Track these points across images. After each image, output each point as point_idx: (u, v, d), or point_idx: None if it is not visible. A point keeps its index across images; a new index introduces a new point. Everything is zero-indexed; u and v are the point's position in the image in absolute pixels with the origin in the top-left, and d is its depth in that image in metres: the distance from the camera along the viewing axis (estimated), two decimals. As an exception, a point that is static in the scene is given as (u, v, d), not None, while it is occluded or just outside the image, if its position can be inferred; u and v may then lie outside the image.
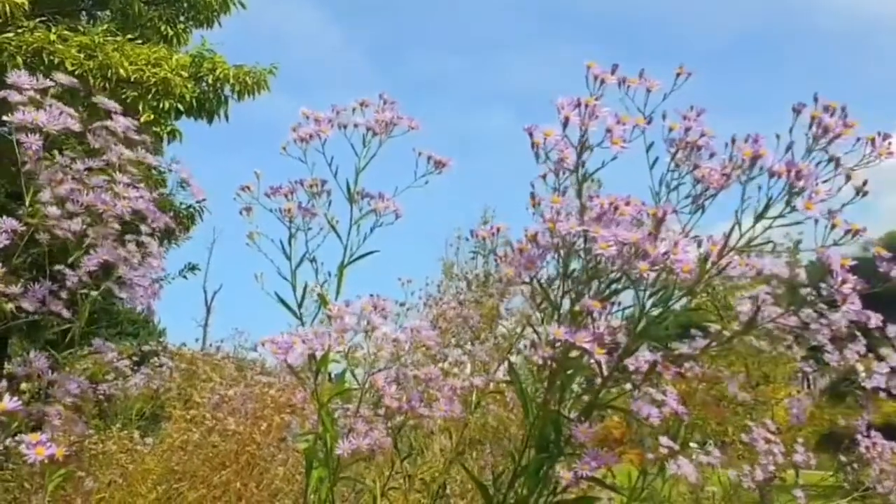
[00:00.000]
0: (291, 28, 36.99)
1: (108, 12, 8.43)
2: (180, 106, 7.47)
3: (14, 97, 1.58)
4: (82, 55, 7.03)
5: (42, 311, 1.62)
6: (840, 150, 1.24)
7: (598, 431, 1.37)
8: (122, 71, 7.08)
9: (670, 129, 1.34)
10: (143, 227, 1.71)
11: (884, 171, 1.28)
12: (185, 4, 8.62)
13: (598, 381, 1.37)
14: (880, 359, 1.42)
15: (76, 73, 6.72)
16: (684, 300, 1.33)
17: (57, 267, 1.64)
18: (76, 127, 1.59)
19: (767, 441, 2.22)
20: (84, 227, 1.63)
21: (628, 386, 1.42)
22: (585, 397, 1.43)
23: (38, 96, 1.60)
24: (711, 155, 1.34)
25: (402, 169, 1.78)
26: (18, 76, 1.61)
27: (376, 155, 1.75)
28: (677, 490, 2.09)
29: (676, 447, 1.67)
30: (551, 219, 1.30)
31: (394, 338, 1.49)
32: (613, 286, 1.33)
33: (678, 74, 1.37)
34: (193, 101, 7.58)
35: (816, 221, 1.21)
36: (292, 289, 1.76)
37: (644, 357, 1.40)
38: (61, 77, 1.68)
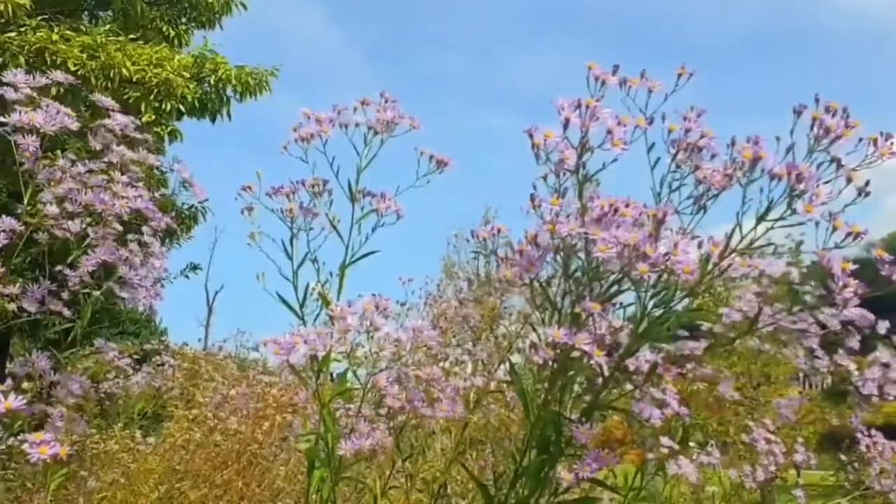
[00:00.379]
0: (291, 28, 37.05)
1: (109, 12, 8.43)
2: (182, 107, 7.48)
3: (10, 95, 1.57)
4: (85, 55, 7.03)
5: (43, 311, 1.62)
6: (842, 151, 1.23)
7: (599, 432, 1.37)
8: (124, 71, 7.08)
9: (670, 131, 1.34)
10: (146, 229, 1.71)
11: (886, 172, 1.28)
12: (187, 5, 8.63)
13: (599, 381, 1.37)
14: (872, 362, 1.42)
15: (78, 72, 6.73)
16: (686, 301, 1.33)
17: (58, 267, 1.64)
18: (74, 126, 1.58)
19: (768, 441, 2.22)
20: (84, 227, 1.63)
21: (629, 386, 1.42)
22: (586, 398, 1.43)
23: (35, 94, 1.59)
24: (713, 156, 1.34)
25: (404, 168, 1.78)
26: (14, 75, 1.61)
27: (378, 154, 1.76)
28: (678, 490, 2.09)
29: (677, 447, 1.67)
30: (551, 221, 1.30)
31: (395, 338, 1.49)
32: (615, 287, 1.33)
33: (680, 75, 1.38)
34: (195, 101, 7.59)
35: (817, 224, 1.20)
36: (294, 289, 1.76)
37: (645, 357, 1.40)
38: (58, 75, 1.68)
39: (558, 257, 1.35)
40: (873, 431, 2.21)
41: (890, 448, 2.21)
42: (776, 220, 1.23)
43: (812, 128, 1.24)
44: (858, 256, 1.26)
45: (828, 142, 1.23)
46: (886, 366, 1.45)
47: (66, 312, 1.64)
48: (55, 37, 7.02)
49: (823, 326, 1.31)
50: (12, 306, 1.59)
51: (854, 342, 1.36)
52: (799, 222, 1.22)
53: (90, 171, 1.65)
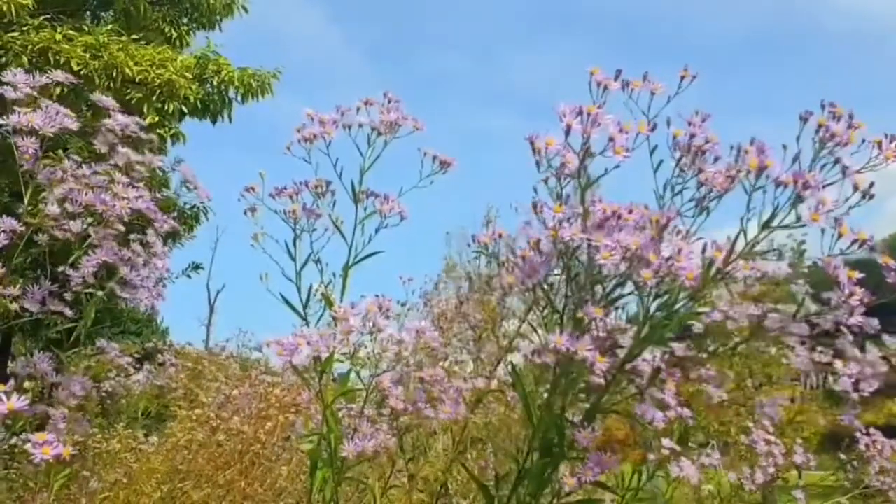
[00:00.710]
0: (292, 29, 37.02)
1: (111, 12, 8.43)
2: (184, 108, 7.48)
3: (10, 94, 1.57)
4: (88, 55, 7.04)
5: (45, 311, 1.62)
6: (846, 155, 1.23)
7: (601, 434, 1.37)
8: (127, 71, 7.09)
9: (674, 136, 1.33)
10: (150, 231, 1.71)
11: (889, 174, 1.28)
12: (188, 6, 8.62)
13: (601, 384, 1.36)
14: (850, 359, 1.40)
15: (81, 72, 6.74)
16: (689, 304, 1.32)
17: (60, 268, 1.64)
18: (74, 127, 1.57)
19: (768, 442, 2.22)
20: (85, 227, 1.63)
21: (632, 389, 1.41)
22: (588, 400, 1.42)
23: (35, 94, 1.59)
24: (716, 159, 1.33)
25: (408, 169, 1.78)
26: (14, 74, 1.60)
27: (381, 155, 1.76)
28: (680, 490, 2.09)
29: (678, 449, 1.67)
30: (554, 227, 1.29)
31: (398, 339, 1.49)
32: (617, 291, 1.33)
33: (683, 77, 1.37)
34: (198, 102, 7.58)
35: (823, 231, 1.20)
36: (297, 290, 1.76)
37: (647, 359, 1.39)
38: (59, 75, 1.67)
39: (560, 262, 1.35)
40: (872, 430, 2.21)
41: (889, 446, 2.22)
42: (781, 227, 1.23)
43: (817, 132, 1.23)
44: (860, 258, 1.26)
45: (833, 146, 1.22)
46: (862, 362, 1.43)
47: (68, 312, 1.63)
48: (58, 36, 7.03)
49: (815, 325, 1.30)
50: (14, 306, 1.59)
51: (846, 342, 1.35)
52: (803, 225, 1.21)
53: (95, 173, 1.65)
